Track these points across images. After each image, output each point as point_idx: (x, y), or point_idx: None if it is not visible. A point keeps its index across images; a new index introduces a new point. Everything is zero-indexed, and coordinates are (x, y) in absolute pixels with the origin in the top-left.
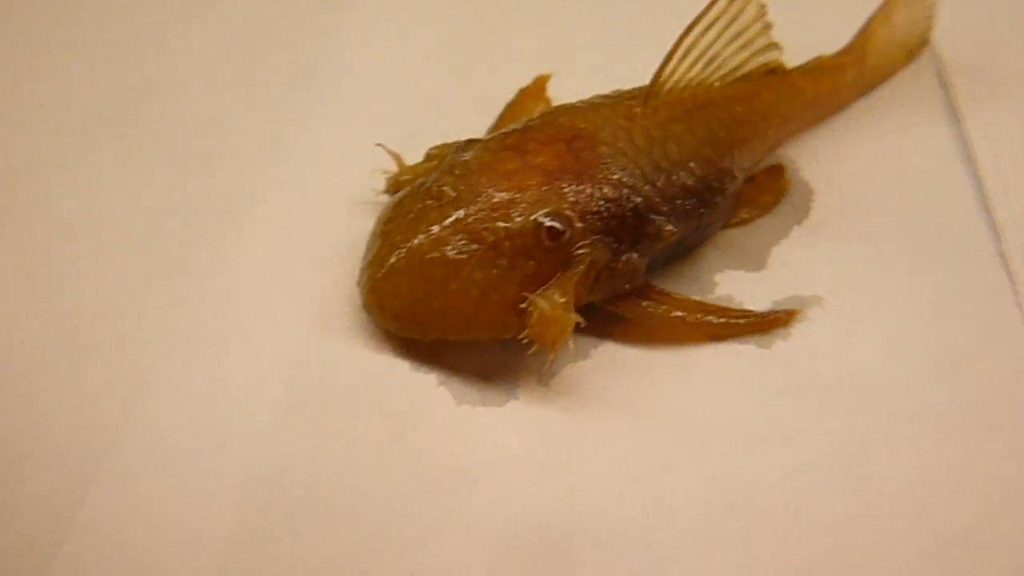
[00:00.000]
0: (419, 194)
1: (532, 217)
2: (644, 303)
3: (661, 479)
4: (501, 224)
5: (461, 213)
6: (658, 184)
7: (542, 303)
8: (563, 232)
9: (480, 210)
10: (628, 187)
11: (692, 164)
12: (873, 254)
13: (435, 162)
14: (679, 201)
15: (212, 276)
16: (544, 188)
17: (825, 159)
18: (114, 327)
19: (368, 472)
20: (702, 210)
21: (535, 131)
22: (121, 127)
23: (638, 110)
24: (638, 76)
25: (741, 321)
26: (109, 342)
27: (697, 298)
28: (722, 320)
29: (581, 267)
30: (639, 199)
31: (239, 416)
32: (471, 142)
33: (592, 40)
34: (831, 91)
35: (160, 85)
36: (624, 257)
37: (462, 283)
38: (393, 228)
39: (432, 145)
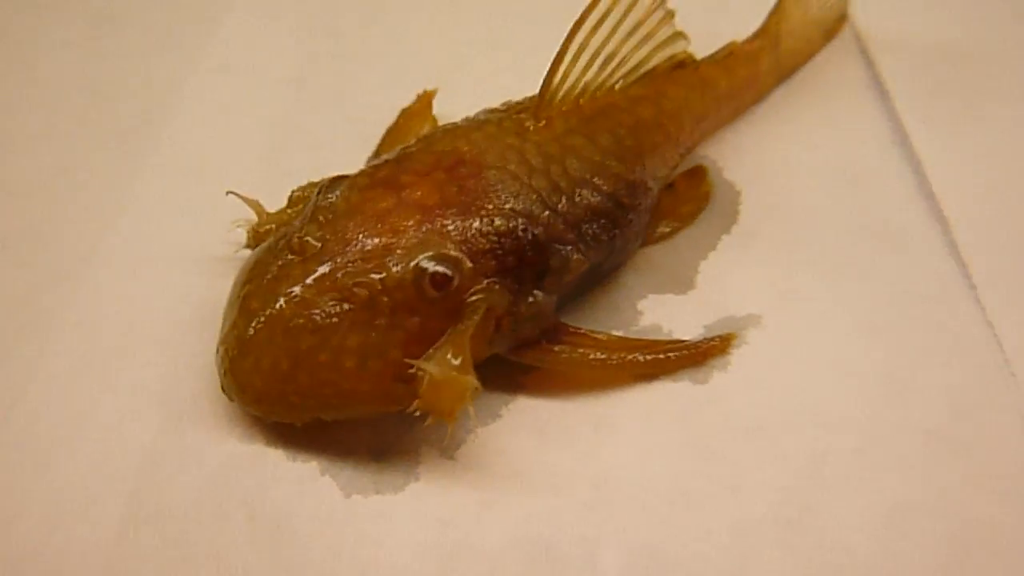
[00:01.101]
0: (279, 248)
1: (412, 263)
2: (557, 348)
3: (592, 560)
4: (375, 276)
5: (327, 267)
6: (559, 208)
7: (432, 367)
8: (450, 278)
9: (350, 262)
10: (524, 216)
11: (597, 180)
12: (810, 259)
13: (300, 206)
14: (586, 225)
15: (38, 360)
16: (424, 227)
17: (748, 156)
18: None
19: None
20: (614, 231)
21: (410, 160)
22: None
23: (529, 124)
24: (532, 84)
25: (671, 355)
26: None
27: (618, 333)
28: (649, 356)
29: (476, 317)
30: (538, 228)
31: (69, 538)
32: (337, 180)
33: (480, 48)
34: (747, 81)
35: None
36: (528, 298)
37: (334, 352)
38: (250, 292)
39: (297, 186)
